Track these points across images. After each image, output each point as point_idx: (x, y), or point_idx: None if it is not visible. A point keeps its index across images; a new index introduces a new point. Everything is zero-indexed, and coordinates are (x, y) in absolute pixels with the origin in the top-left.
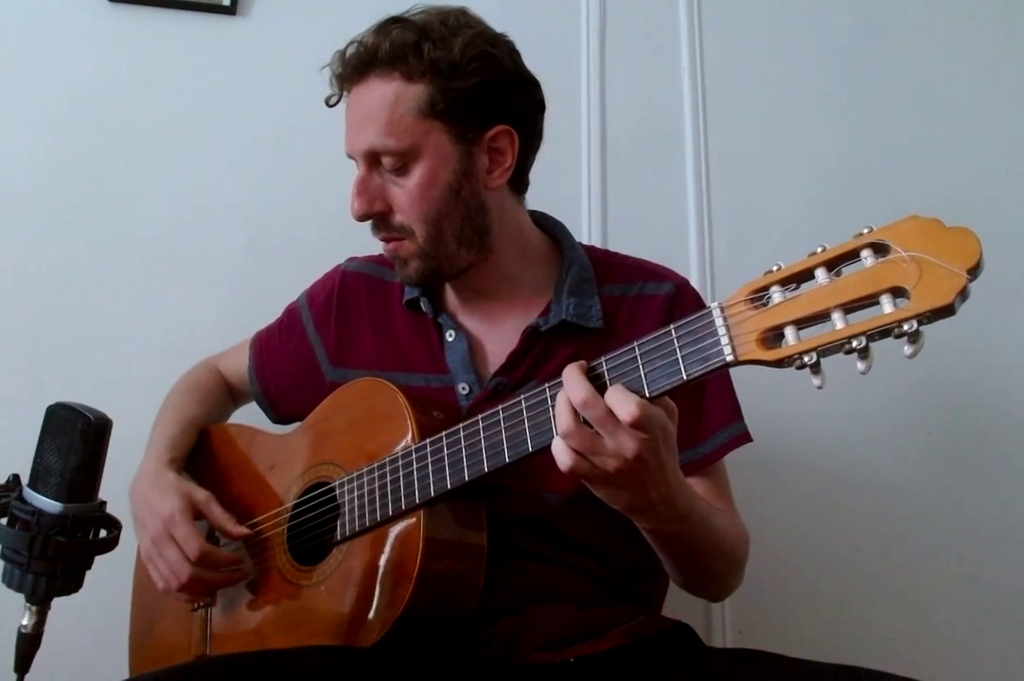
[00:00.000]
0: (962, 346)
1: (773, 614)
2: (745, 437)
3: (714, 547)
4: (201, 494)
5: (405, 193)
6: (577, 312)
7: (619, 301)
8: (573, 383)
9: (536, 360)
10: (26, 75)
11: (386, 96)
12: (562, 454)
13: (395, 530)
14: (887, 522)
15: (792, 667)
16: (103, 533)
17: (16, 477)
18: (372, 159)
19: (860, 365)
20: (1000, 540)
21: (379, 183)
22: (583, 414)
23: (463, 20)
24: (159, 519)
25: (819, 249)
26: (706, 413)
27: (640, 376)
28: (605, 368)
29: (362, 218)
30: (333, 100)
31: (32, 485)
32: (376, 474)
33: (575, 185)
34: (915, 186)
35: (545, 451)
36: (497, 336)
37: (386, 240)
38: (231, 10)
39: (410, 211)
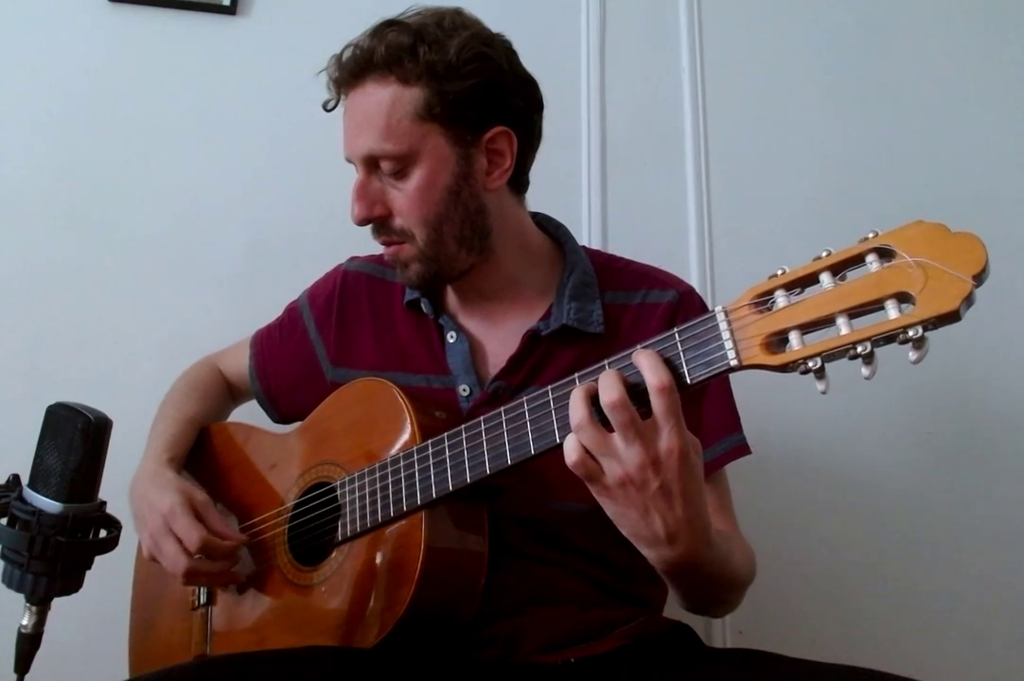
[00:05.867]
0: (963, 346)
1: (773, 614)
2: (743, 449)
3: (727, 582)
4: (200, 496)
5: (404, 197)
6: (578, 317)
7: (622, 308)
8: (608, 383)
9: (536, 364)
10: (26, 75)
11: (383, 100)
12: (571, 449)
13: (396, 531)
14: (887, 522)
15: (792, 667)
16: (103, 533)
17: (16, 477)
18: (371, 163)
19: (864, 370)
20: (1000, 540)
21: (378, 187)
22: (609, 415)
23: (458, 21)
24: (157, 514)
25: (824, 253)
26: (704, 424)
27: (643, 379)
28: (610, 369)
29: (362, 222)
30: (331, 105)
31: (32, 485)
32: (377, 475)
33: (575, 185)
34: (915, 186)
35: (547, 453)
36: (498, 338)
37: (386, 243)
38: (231, 10)
39: (410, 215)
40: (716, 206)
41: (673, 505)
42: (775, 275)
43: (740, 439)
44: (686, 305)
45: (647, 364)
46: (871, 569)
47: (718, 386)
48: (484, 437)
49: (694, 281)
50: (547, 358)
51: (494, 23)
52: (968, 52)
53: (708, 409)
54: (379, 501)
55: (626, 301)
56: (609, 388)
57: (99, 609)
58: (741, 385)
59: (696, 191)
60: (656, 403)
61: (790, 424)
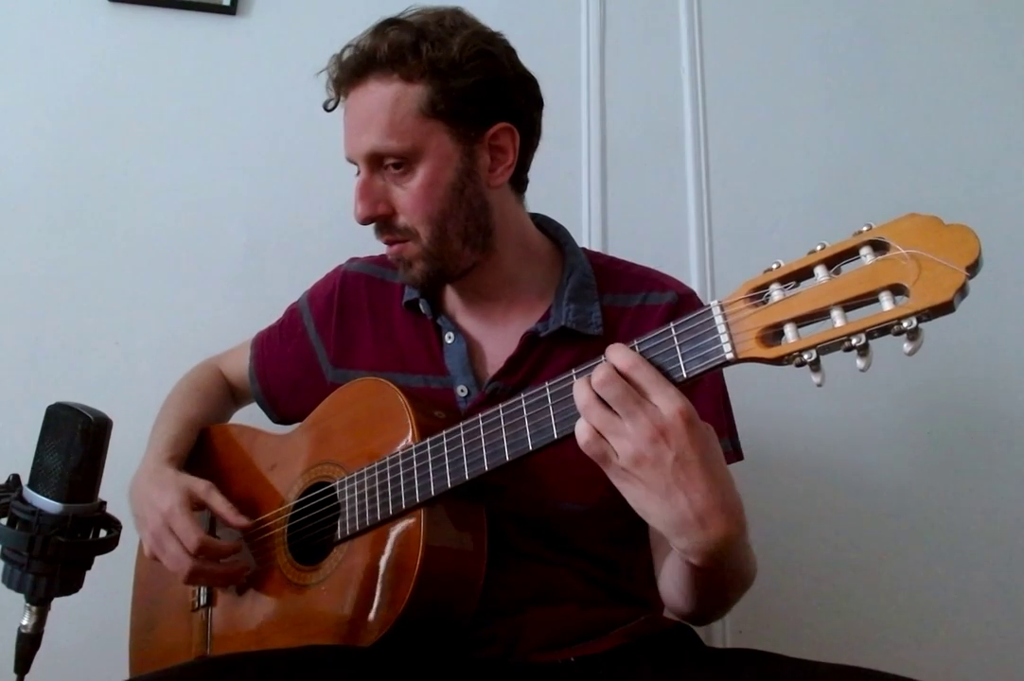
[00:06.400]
0: (962, 345)
1: (773, 614)
2: (730, 455)
3: (742, 578)
4: (201, 485)
5: (408, 194)
6: (577, 319)
7: (621, 311)
8: (597, 368)
9: (534, 366)
10: (26, 75)
11: (386, 98)
12: (581, 430)
13: (395, 529)
14: (887, 522)
15: (792, 667)
16: (103, 533)
17: (16, 477)
18: (374, 162)
19: (859, 363)
20: (1000, 540)
21: (381, 185)
22: (602, 393)
23: (459, 20)
24: (158, 514)
25: (818, 247)
26: None
27: None
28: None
29: (366, 221)
30: (331, 105)
31: (32, 485)
32: (376, 473)
33: (575, 185)
34: (915, 185)
35: (546, 450)
36: (496, 338)
37: (390, 242)
38: (231, 10)
39: (414, 212)
40: (716, 206)
41: (694, 479)
42: (770, 269)
43: (725, 445)
44: (685, 307)
45: (614, 356)
46: (871, 569)
47: (707, 390)
48: (482, 434)
49: (694, 282)
50: (545, 359)
51: (494, 23)
52: (967, 52)
53: (701, 413)
54: (378, 500)
55: (625, 303)
56: (597, 371)
57: (99, 609)
58: (741, 385)
59: (696, 191)
60: (635, 379)
61: (790, 424)
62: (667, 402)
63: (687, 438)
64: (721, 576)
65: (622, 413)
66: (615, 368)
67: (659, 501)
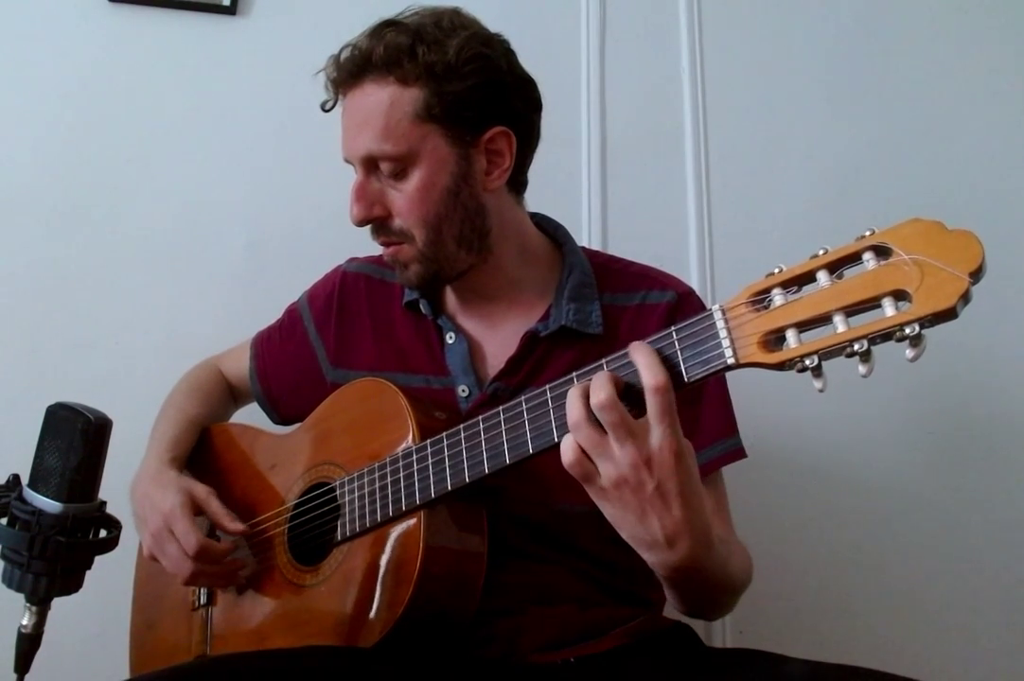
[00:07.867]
0: (963, 347)
1: (773, 614)
2: (739, 453)
3: (724, 586)
4: (201, 489)
5: (404, 197)
6: (577, 318)
7: (621, 309)
8: (598, 383)
9: (535, 365)
10: (26, 75)
11: (382, 101)
12: (567, 448)
13: (395, 531)
14: (888, 522)
15: (792, 667)
16: (103, 533)
17: (16, 477)
18: (370, 164)
19: (861, 368)
20: (1000, 540)
21: (377, 188)
22: (599, 415)
23: (457, 21)
24: (159, 515)
25: (821, 252)
26: (701, 426)
27: (639, 380)
28: (606, 369)
29: (361, 223)
30: (329, 105)
31: (32, 485)
32: (376, 474)
33: (575, 185)
34: (915, 186)
35: (545, 453)
36: (497, 338)
37: (386, 244)
38: (231, 10)
39: (409, 215)
40: (716, 206)
41: (670, 507)
42: (772, 273)
43: (736, 443)
44: (685, 306)
45: (644, 362)
46: (871, 569)
47: (716, 389)
48: (483, 436)
49: (694, 282)
50: (546, 359)
51: (494, 23)
52: (968, 53)
53: (705, 412)
54: (378, 501)
55: (625, 302)
56: (599, 389)
57: (99, 609)
58: (742, 386)
59: (696, 191)
60: (651, 403)
61: (791, 425)
62: (664, 437)
63: (671, 471)
64: (695, 584)
65: (612, 436)
66: (615, 388)
67: (633, 521)
